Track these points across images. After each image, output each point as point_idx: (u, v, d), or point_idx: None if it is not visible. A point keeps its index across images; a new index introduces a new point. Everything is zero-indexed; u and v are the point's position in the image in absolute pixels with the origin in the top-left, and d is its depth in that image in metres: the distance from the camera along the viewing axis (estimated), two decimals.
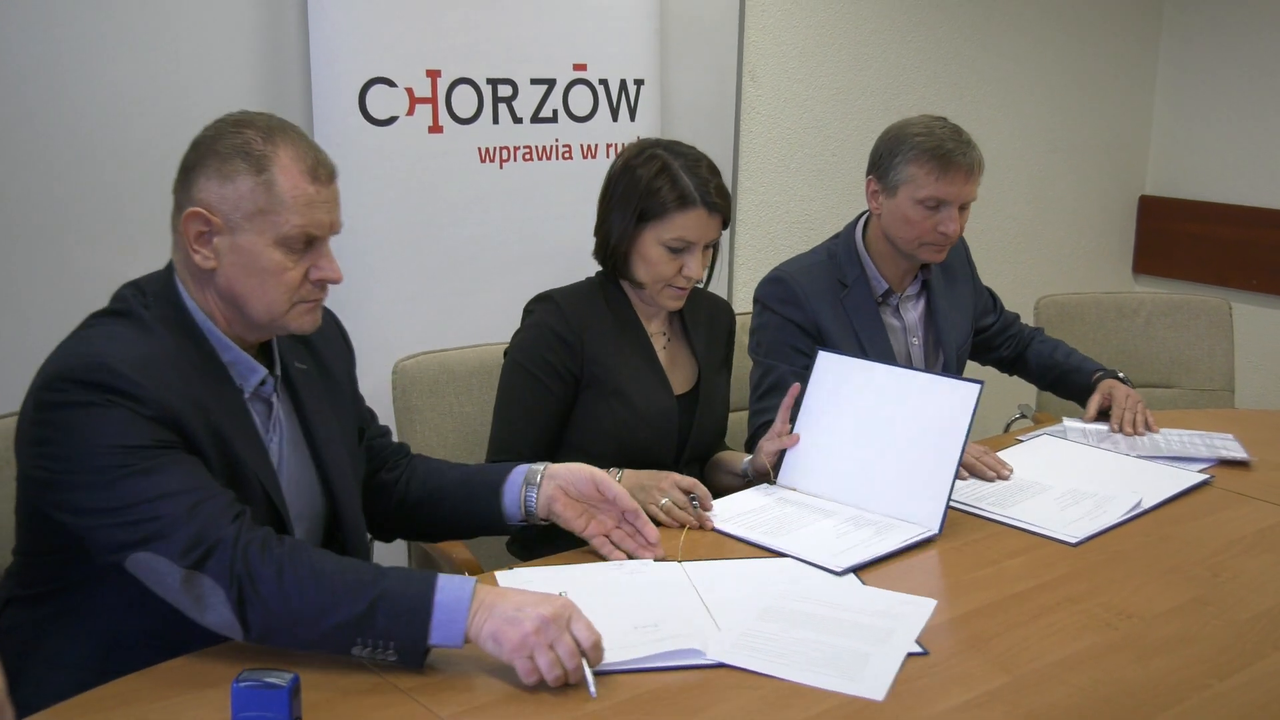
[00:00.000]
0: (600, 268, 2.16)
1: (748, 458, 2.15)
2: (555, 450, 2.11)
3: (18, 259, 2.38)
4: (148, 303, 1.53)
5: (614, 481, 1.72)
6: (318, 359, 1.73)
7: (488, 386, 2.16)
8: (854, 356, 2.33)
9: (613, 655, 1.41)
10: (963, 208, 2.32)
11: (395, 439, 2.31)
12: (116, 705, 1.33)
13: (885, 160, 2.33)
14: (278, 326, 1.56)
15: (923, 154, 2.27)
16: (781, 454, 2.05)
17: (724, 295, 3.31)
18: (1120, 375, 2.58)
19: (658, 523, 1.84)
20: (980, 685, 1.44)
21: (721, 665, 1.43)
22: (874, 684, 1.42)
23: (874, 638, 1.52)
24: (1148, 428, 2.43)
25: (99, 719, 1.31)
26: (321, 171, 1.52)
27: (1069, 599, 1.68)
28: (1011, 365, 2.74)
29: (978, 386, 1.92)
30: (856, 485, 1.96)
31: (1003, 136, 4.05)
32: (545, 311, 2.09)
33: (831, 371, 2.07)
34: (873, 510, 1.93)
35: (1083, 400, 2.56)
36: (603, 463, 1.98)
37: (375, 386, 2.53)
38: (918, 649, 1.50)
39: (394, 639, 1.36)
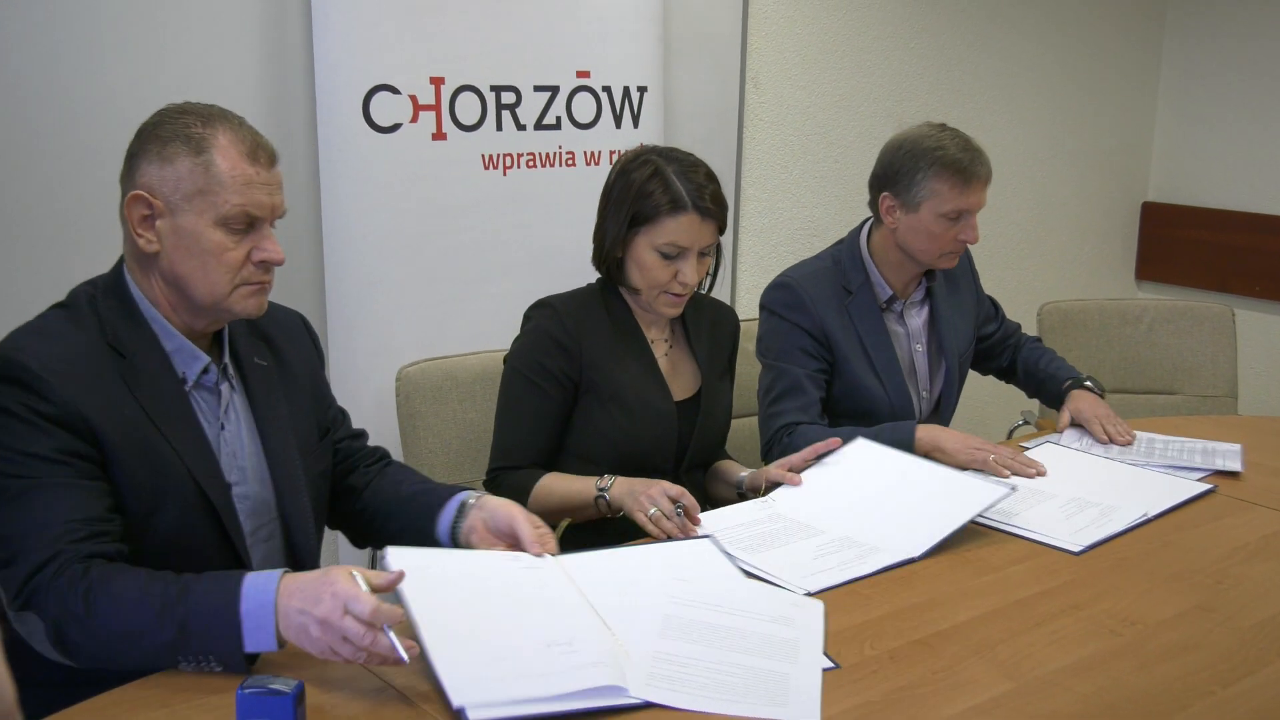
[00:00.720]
0: (600, 275, 2.16)
1: (745, 471, 2.14)
2: (556, 456, 2.11)
3: (17, 260, 2.38)
4: (96, 295, 1.58)
5: (528, 529, 1.67)
6: (280, 357, 1.75)
7: (491, 393, 2.17)
8: (860, 362, 2.35)
9: (532, 686, 1.33)
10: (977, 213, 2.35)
11: (400, 445, 2.34)
12: (121, 713, 1.33)
13: (905, 177, 2.33)
14: (222, 310, 1.58)
15: (944, 169, 2.28)
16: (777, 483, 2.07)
17: (727, 301, 3.31)
18: (1087, 383, 2.55)
19: (645, 531, 1.86)
20: (984, 691, 1.44)
21: (649, 705, 1.36)
22: (804, 708, 1.38)
23: (783, 653, 1.49)
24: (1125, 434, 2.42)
25: None
26: (261, 154, 1.55)
27: (1073, 606, 1.68)
28: (1006, 373, 2.75)
29: (1006, 490, 1.95)
30: (848, 519, 1.94)
31: (1005, 142, 4.05)
32: (543, 318, 2.09)
33: (864, 455, 2.12)
34: (860, 537, 1.88)
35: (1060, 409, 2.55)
36: (602, 468, 2.01)
37: (379, 393, 2.54)
38: (829, 663, 1.49)
39: (211, 653, 1.38)
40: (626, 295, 2.13)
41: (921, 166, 2.30)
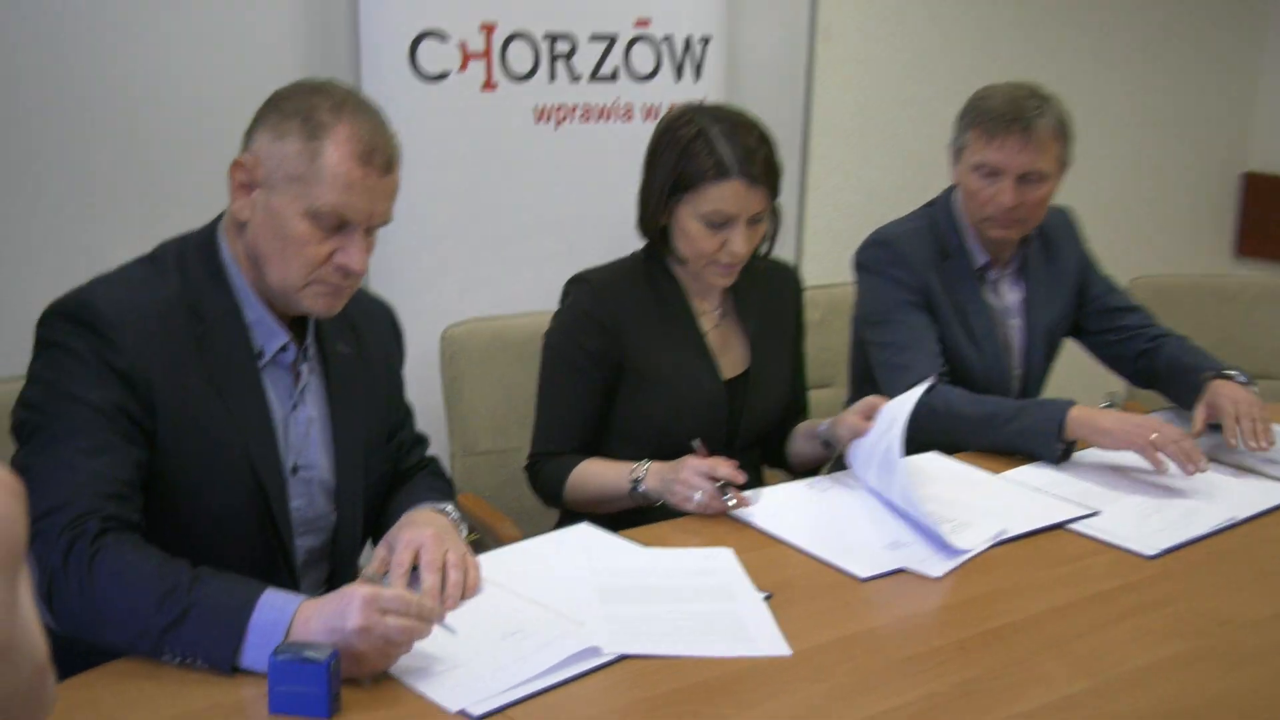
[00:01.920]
0: (645, 243, 2.12)
1: (826, 421, 2.10)
2: (601, 440, 2.10)
3: (50, 234, 2.44)
4: (185, 252, 1.59)
5: (433, 579, 1.55)
6: (364, 349, 1.75)
7: (540, 355, 2.17)
8: (957, 330, 2.32)
9: (511, 674, 1.38)
10: (1028, 178, 2.24)
11: (444, 408, 2.35)
12: (145, 677, 1.35)
13: (956, 126, 2.34)
14: (291, 301, 1.58)
15: (979, 116, 2.26)
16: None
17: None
18: (1229, 371, 2.32)
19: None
20: (1060, 688, 1.42)
21: (624, 657, 1.44)
22: (770, 641, 1.49)
23: (721, 596, 1.60)
24: (1270, 441, 2.17)
25: (128, 685, 1.33)
26: (376, 158, 1.53)
27: (1157, 602, 1.66)
28: (1145, 376, 2.51)
29: (1089, 511, 1.93)
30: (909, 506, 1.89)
31: (1095, 104, 3.96)
32: (580, 294, 2.07)
33: (937, 464, 2.12)
34: (930, 519, 1.82)
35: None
36: (647, 451, 1.99)
37: (423, 354, 2.53)
38: (765, 593, 1.60)
39: (200, 653, 1.34)
40: (673, 264, 2.10)
41: (966, 115, 2.30)
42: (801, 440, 2.20)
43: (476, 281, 2.75)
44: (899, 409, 1.90)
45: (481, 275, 2.76)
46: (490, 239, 2.76)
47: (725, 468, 1.86)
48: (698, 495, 1.84)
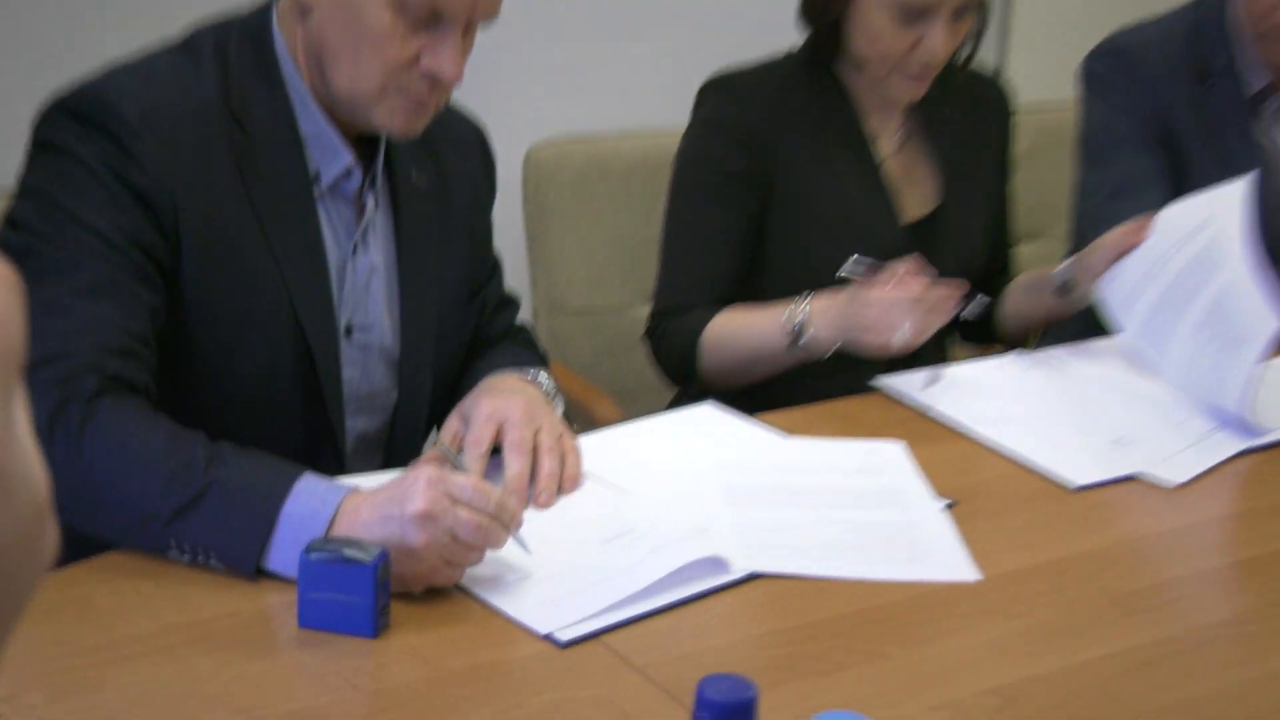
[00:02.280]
0: (805, 38, 2.07)
1: (1063, 264, 2.02)
2: (742, 292, 2.05)
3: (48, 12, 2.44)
4: (228, 42, 1.56)
5: (520, 462, 1.52)
6: (446, 182, 1.73)
7: (653, 187, 2.14)
8: (1212, 175, 2.14)
9: (615, 588, 1.34)
10: None
11: (526, 250, 2.35)
12: (145, 575, 1.34)
13: None
14: (360, 113, 1.54)
15: None
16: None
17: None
18: None
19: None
20: None
21: (754, 576, 1.40)
22: (952, 563, 1.44)
23: (889, 502, 1.56)
24: None
25: (123, 584, 1.33)
26: None
27: None
28: None
29: None
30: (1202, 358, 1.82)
31: None
32: (722, 103, 2.05)
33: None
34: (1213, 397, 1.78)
35: None
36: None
37: (502, 179, 2.51)
38: (947, 500, 1.56)
39: (215, 548, 1.32)
40: (843, 70, 2.05)
41: None
42: (1023, 294, 2.13)
43: (571, 87, 2.78)
44: (1210, 207, 1.86)
45: (578, 79, 2.79)
46: (591, 31, 2.81)
47: (936, 288, 1.77)
48: (901, 332, 1.76)
